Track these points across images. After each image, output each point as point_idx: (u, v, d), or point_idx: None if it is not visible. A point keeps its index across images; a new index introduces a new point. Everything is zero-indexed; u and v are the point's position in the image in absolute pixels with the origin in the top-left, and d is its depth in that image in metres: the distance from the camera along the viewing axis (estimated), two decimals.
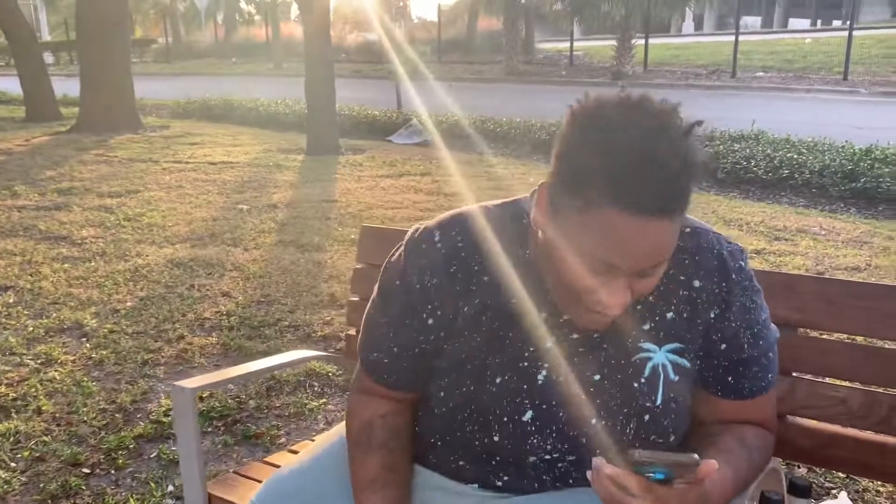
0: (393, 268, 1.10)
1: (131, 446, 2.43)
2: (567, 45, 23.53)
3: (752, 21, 43.37)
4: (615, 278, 0.90)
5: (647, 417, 1.01)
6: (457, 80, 21.17)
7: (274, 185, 7.12)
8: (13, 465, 2.32)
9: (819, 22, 40.83)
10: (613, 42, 20.55)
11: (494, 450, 1.06)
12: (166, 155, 8.87)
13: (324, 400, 2.80)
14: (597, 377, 1.02)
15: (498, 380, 1.03)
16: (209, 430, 2.56)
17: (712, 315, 1.03)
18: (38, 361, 3.07)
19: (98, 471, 2.30)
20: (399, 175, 7.51)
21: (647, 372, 1.01)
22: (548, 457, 1.05)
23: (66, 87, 14.36)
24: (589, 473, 0.87)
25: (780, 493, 0.99)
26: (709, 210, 5.84)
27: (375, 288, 1.14)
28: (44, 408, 2.67)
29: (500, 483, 1.08)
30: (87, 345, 3.25)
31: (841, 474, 2.26)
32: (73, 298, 3.83)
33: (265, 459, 1.63)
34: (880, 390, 1.21)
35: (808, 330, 1.28)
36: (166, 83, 19.62)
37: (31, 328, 3.42)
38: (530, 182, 7.22)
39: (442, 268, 1.05)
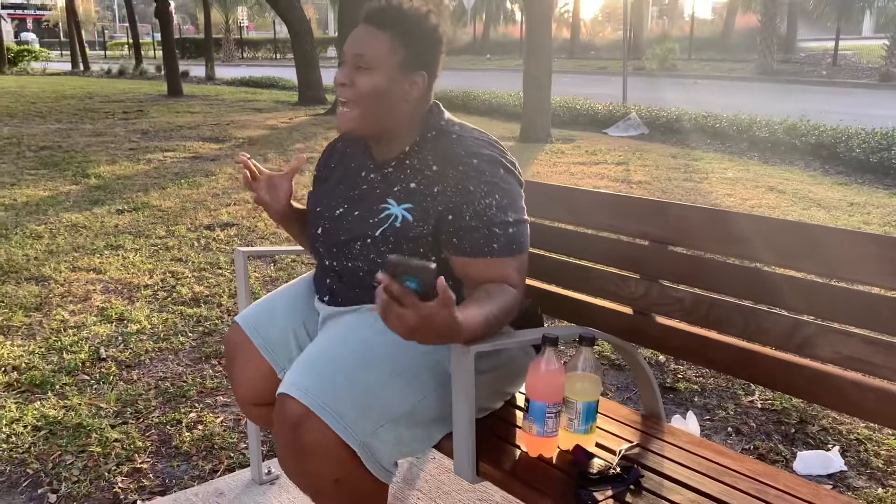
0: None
1: None
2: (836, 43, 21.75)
3: None
4: (344, 66, 1.50)
5: (369, 241, 1.52)
6: (704, 78, 20.54)
7: None
8: (190, 334, 3.16)
9: None
10: (886, 41, 18.67)
11: (318, 257, 1.65)
12: None
13: None
14: (356, 212, 1.55)
15: (318, 209, 1.64)
16: None
17: (436, 189, 1.47)
18: (233, 274, 3.97)
19: None
20: (594, 163, 7.83)
21: (381, 215, 1.51)
22: (335, 264, 1.58)
23: None
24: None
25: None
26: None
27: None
28: (223, 303, 3.53)
29: (334, 287, 1.61)
30: (272, 268, 4.11)
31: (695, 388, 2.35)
32: (276, 236, 4.76)
33: None
34: (703, 292, 1.49)
35: (672, 246, 1.57)
36: None
37: None
38: (728, 177, 7.16)
39: (324, 158, 1.74)
